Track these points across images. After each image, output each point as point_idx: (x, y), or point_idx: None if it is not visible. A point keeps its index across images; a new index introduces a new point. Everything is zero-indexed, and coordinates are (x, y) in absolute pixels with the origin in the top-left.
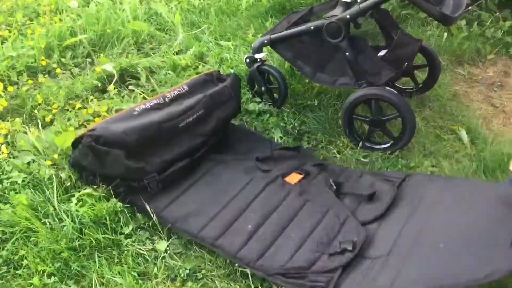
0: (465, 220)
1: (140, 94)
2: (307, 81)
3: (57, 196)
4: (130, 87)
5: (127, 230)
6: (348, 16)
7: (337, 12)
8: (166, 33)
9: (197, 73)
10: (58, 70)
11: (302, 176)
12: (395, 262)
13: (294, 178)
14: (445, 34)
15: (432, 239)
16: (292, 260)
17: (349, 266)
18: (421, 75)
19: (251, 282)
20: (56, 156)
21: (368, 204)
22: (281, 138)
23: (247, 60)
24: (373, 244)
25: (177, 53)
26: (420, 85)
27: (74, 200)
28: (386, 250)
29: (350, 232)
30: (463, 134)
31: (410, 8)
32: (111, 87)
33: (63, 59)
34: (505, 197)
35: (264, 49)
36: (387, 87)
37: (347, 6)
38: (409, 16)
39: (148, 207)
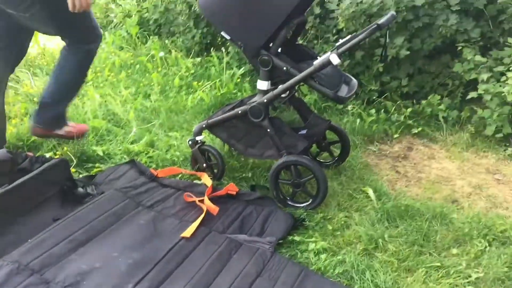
0: None
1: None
2: (242, 158)
3: None
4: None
5: None
6: (265, 100)
7: (257, 98)
8: (122, 128)
9: (149, 157)
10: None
11: None
12: None
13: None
14: (358, 120)
15: None
16: None
17: None
18: (337, 150)
19: None
20: None
21: None
22: None
23: (190, 142)
24: None
25: (132, 143)
26: (336, 158)
27: None
28: None
29: None
30: (371, 192)
31: (329, 102)
32: (72, 170)
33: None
34: None
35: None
36: (303, 155)
37: (265, 93)
38: (328, 108)
39: None
